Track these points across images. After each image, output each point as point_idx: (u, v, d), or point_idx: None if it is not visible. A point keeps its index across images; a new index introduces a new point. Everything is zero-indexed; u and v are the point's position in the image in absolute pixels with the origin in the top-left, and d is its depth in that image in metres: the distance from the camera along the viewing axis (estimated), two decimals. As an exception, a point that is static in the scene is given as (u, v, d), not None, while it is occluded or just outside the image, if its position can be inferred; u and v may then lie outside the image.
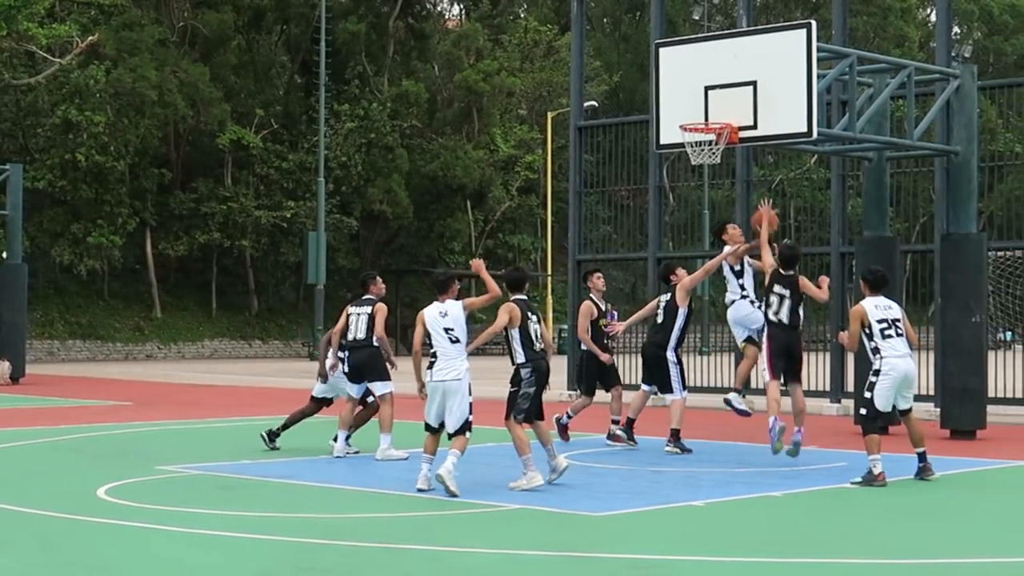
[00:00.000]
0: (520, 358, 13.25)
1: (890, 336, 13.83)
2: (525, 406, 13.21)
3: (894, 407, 13.92)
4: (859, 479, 13.50)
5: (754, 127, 17.18)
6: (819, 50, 17.31)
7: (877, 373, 13.83)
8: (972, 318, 19.28)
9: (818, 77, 17.18)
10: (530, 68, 60.93)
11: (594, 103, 53.67)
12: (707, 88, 17.44)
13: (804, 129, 16.91)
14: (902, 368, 13.80)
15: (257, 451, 16.35)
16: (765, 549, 9.98)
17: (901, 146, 20.00)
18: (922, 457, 13.89)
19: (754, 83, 17.15)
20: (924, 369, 23.81)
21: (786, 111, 16.96)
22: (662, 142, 18.27)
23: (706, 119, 17.34)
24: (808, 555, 9.72)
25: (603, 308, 17.01)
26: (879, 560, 9.60)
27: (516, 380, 13.28)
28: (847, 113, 18.45)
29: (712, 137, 17.22)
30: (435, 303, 13.33)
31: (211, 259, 52.35)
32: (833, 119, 19.90)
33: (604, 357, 16.76)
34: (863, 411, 13.96)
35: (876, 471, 13.44)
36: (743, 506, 12.40)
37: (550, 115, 56.99)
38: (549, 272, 58.73)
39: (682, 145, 17.67)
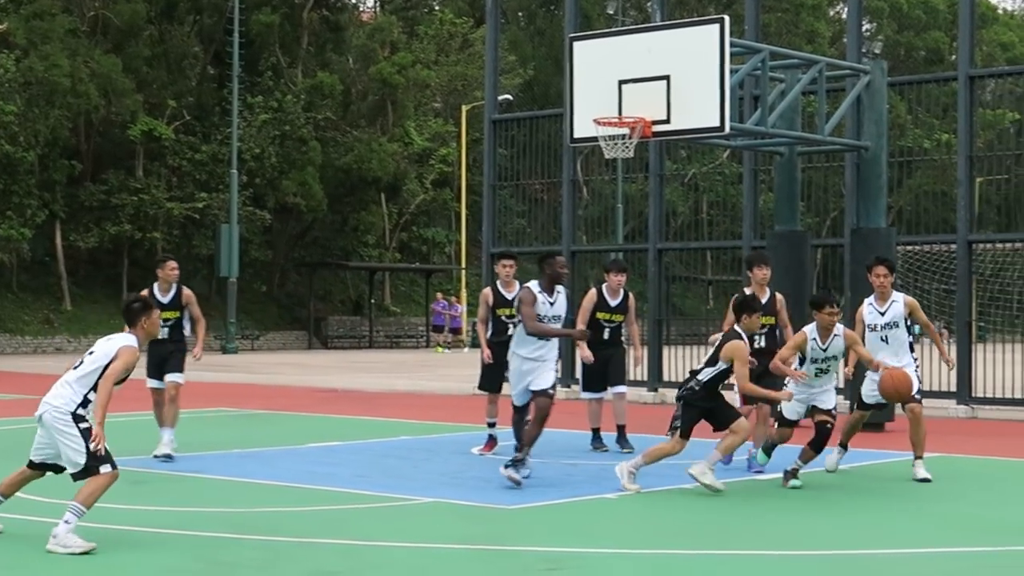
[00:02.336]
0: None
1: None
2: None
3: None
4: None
5: (667, 121, 17.32)
6: (732, 45, 17.47)
7: None
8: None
9: (731, 72, 17.33)
10: (445, 61, 60.82)
11: (509, 97, 53.69)
12: (621, 82, 17.57)
13: (717, 124, 17.09)
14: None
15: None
16: (677, 541, 10.05)
17: (812, 141, 20.22)
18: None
19: (667, 77, 17.29)
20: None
21: (699, 106, 17.12)
22: (576, 136, 18.37)
23: (620, 113, 17.46)
24: (719, 547, 9.79)
25: (509, 297, 15.47)
26: (790, 552, 9.70)
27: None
28: (759, 108, 18.64)
29: (626, 131, 17.33)
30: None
31: (122, 251, 51.75)
32: (745, 114, 20.08)
33: (486, 353, 15.51)
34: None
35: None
36: (655, 498, 12.46)
37: (465, 108, 56.94)
38: (464, 266, 58.68)
39: (596, 139, 17.78)
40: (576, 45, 18.51)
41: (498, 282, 15.87)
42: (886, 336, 13.89)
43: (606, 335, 15.96)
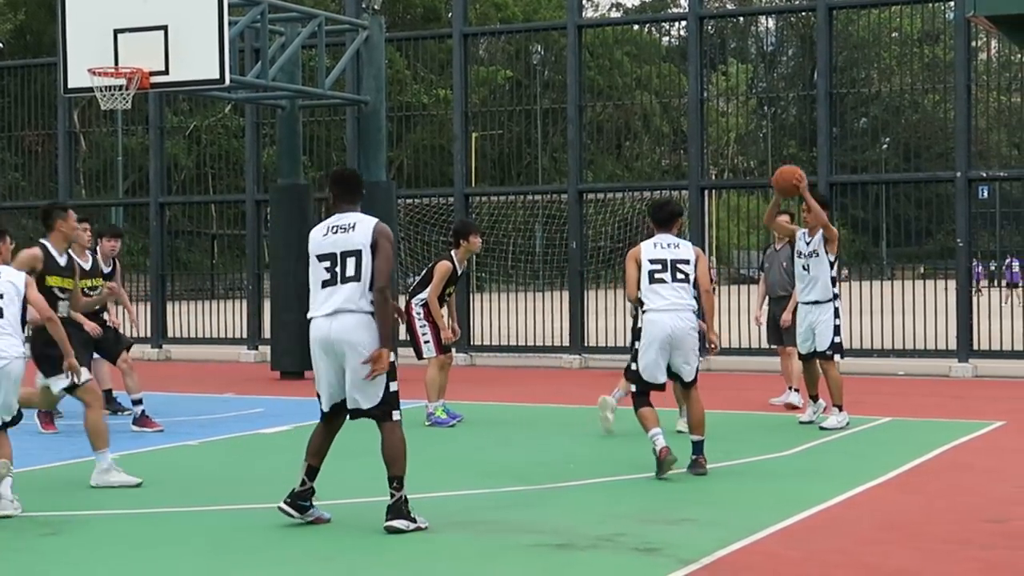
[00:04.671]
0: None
1: (662, 281, 11.02)
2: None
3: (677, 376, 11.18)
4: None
5: (166, 72, 17.01)
6: (231, -3, 17.31)
7: (637, 334, 11.15)
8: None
9: (230, 24, 17.17)
10: (-72, 5, 57.48)
11: None
12: (116, 31, 17.12)
13: (216, 76, 16.94)
14: (665, 324, 10.94)
15: None
16: (178, 499, 9.93)
17: (313, 95, 20.32)
18: (697, 447, 10.98)
19: (165, 28, 16.97)
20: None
21: (198, 57, 16.90)
22: (70, 86, 17.81)
23: (116, 63, 17.01)
24: (223, 502, 9.73)
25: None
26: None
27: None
28: (260, 61, 18.57)
29: (122, 82, 16.92)
30: None
31: None
32: (247, 67, 19.96)
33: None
34: (632, 386, 11.21)
35: (657, 447, 10.74)
36: (160, 456, 12.28)
37: (-48, 55, 54.02)
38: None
39: (91, 89, 17.27)
40: (69, -8, 17.86)
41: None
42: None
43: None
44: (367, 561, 8.07)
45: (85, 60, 17.26)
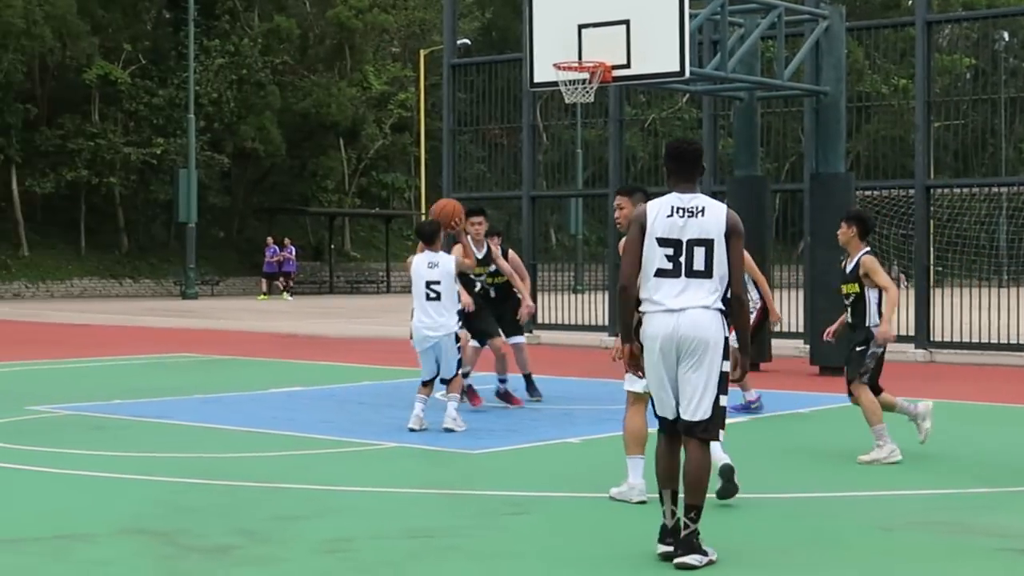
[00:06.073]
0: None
1: None
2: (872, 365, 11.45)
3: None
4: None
5: (627, 66, 17.33)
6: (691, -11, 17.46)
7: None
8: (840, 256, 19.60)
9: (690, 16, 17.33)
10: (403, 5, 60.46)
11: (467, 41, 53.46)
12: (580, 26, 17.56)
13: (676, 68, 17.11)
14: None
15: (130, 390, 16.18)
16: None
17: (771, 86, 20.25)
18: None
19: (627, 22, 17.28)
20: (793, 307, 24.26)
21: (659, 50, 17.13)
22: (535, 80, 18.38)
23: (580, 58, 17.45)
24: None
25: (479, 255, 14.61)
26: (765, 495, 9.76)
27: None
28: (718, 53, 18.65)
29: (586, 76, 17.34)
30: (424, 252, 12.88)
31: (79, 197, 51.41)
32: (704, 59, 20.09)
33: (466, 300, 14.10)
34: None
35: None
36: (618, 442, 12.50)
37: (423, 53, 56.67)
38: (423, 211, 58.59)
39: (555, 84, 17.78)
40: (535, -11, 18.45)
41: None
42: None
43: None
44: (822, 557, 7.98)
45: (550, 55, 17.79)
